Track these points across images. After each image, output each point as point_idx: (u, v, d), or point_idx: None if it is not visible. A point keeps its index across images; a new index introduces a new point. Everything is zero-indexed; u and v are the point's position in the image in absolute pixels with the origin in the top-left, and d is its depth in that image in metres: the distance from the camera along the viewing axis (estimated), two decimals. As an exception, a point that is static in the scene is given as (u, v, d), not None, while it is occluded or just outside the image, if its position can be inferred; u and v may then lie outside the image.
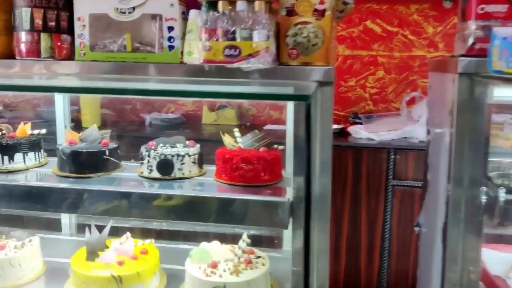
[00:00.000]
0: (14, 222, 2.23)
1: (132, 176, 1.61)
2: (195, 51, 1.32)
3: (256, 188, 1.48)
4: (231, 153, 1.52)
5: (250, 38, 1.25)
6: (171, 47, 1.35)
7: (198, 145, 1.64)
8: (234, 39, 1.26)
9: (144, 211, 1.43)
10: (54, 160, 1.78)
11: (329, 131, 1.30)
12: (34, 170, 1.66)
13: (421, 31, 3.28)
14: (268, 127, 3.32)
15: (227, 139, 1.61)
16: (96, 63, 1.38)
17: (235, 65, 1.26)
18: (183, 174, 1.57)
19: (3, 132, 1.72)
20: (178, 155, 1.56)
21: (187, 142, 1.66)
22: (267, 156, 1.51)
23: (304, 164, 1.29)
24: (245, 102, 3.51)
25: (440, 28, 3.25)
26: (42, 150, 1.73)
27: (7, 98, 3.73)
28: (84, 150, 1.57)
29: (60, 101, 1.90)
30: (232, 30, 1.26)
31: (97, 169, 1.59)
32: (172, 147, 1.60)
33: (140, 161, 1.61)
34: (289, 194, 1.44)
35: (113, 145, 1.65)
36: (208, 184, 1.54)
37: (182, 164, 1.56)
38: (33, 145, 1.67)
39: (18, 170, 1.63)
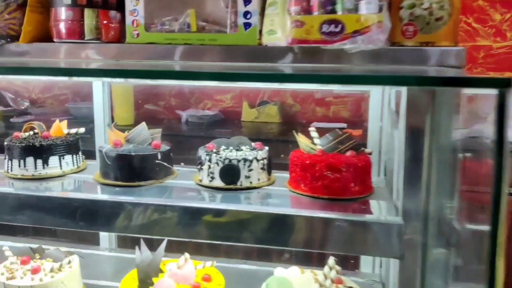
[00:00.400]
0: (45, 233, 1.99)
1: (189, 184, 1.34)
2: (279, 29, 1.04)
3: (345, 202, 1.20)
4: (312, 158, 1.23)
5: (355, 10, 0.96)
6: (247, 25, 1.06)
7: (267, 148, 1.36)
8: (334, 11, 0.97)
9: (210, 230, 1.16)
10: (93, 164, 1.52)
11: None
12: (71, 177, 1.40)
13: (486, 19, 2.93)
14: (315, 124, 3.02)
15: (302, 140, 1.32)
16: (153, 47, 1.10)
17: (335, 45, 0.97)
18: (250, 183, 1.29)
19: (35, 131, 1.47)
20: (245, 160, 1.28)
21: (253, 143, 1.38)
22: (357, 162, 1.22)
23: (424, 174, 1.01)
24: (288, 98, 3.22)
25: (508, 15, 2.90)
26: (80, 153, 1.47)
27: (33, 93, 3.53)
28: (133, 153, 1.31)
29: (99, 94, 1.65)
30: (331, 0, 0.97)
31: (148, 176, 1.32)
32: (237, 150, 1.32)
33: (198, 167, 1.34)
34: (385, 210, 1.16)
35: (165, 147, 1.38)
36: (283, 195, 1.26)
37: (250, 170, 1.29)
38: (71, 146, 1.42)
39: (53, 177, 1.38)
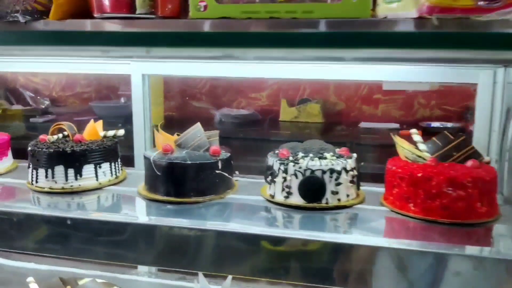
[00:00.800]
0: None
1: (257, 201, 1.07)
2: (403, -5, 0.75)
3: (470, 228, 0.91)
4: (426, 170, 0.94)
5: (527, -37, 0.68)
6: (356, -9, 0.78)
7: (355, 155, 1.08)
8: (494, -34, 0.69)
9: (289, 265, 0.89)
10: (132, 173, 1.26)
11: None
12: (110, 190, 1.14)
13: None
14: (363, 125, 2.73)
15: (405, 146, 1.03)
16: (226, 23, 0.83)
17: (494, 15, 0.68)
18: (338, 200, 1.01)
19: (65, 133, 1.21)
20: (332, 171, 1.00)
21: (337, 149, 1.10)
22: (484, 175, 0.93)
23: None
24: (331, 95, 2.93)
25: None
26: (119, 160, 1.21)
27: (54, 91, 3.29)
28: (189, 162, 1.04)
29: (139, 89, 1.38)
30: (490, -50, 0.69)
31: (206, 190, 1.06)
32: (320, 157, 1.04)
33: (269, 178, 1.06)
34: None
35: (225, 154, 1.11)
36: (384, 218, 0.98)
37: (338, 184, 1.01)
38: (108, 152, 1.16)
39: (88, 190, 1.11)
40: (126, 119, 2.60)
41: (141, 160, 1.40)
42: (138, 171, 1.31)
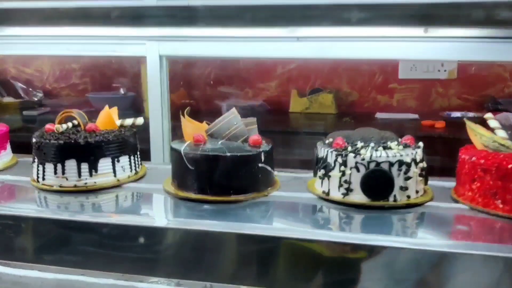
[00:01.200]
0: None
1: (308, 199, 0.90)
2: None
3: None
4: (517, 160, 0.79)
5: None
6: None
7: (422, 144, 0.91)
8: None
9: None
10: (150, 168, 1.09)
11: None
12: (130, 187, 0.97)
13: None
14: (379, 115, 2.59)
15: (483, 132, 0.88)
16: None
17: None
18: (408, 197, 0.86)
19: (75, 122, 1.03)
20: (401, 163, 0.84)
21: (399, 138, 0.94)
22: None
23: None
24: (344, 84, 2.78)
25: None
26: (138, 153, 1.03)
27: (48, 83, 3.10)
28: (228, 154, 0.87)
29: (156, 74, 1.21)
30: None
31: (247, 187, 0.89)
32: (384, 147, 0.88)
33: (321, 172, 0.89)
34: None
35: (267, 145, 0.94)
36: (468, 219, 0.82)
37: (407, 179, 0.85)
38: (128, 144, 0.98)
39: (105, 188, 0.94)
40: (126, 111, 2.41)
41: (159, 153, 1.24)
42: (158, 165, 1.15)
